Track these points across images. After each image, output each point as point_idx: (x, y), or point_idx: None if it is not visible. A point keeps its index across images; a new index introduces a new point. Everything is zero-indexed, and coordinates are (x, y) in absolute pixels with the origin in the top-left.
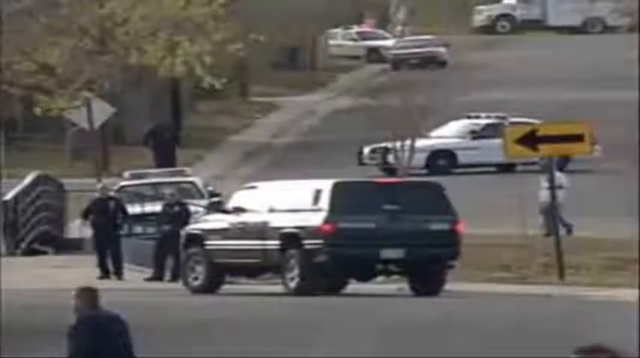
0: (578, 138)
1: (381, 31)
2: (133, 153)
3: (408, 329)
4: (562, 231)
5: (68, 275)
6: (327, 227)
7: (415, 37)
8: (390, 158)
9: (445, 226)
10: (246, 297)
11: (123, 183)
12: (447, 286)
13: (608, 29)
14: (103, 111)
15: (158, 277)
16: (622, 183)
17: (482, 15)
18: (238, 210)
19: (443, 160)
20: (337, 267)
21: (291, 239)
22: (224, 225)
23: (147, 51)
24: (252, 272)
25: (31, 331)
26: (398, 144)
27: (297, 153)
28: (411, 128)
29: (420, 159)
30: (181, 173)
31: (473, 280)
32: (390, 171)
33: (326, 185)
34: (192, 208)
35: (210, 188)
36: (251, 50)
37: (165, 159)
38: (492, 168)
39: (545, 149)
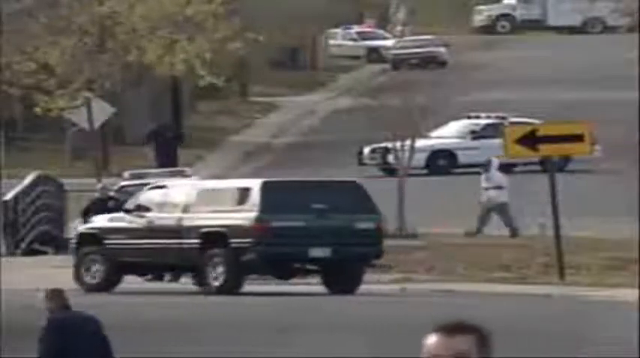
0: (578, 138)
1: (381, 31)
2: (133, 153)
3: (407, 329)
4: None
5: (68, 275)
6: (259, 226)
7: (415, 37)
8: (390, 158)
9: (371, 225)
10: (245, 298)
11: (123, 183)
12: (447, 286)
13: (608, 29)
14: (103, 111)
15: (158, 277)
16: (622, 183)
17: (482, 15)
18: (141, 208)
19: (443, 160)
20: (266, 266)
21: (215, 238)
22: (127, 224)
23: (147, 49)
24: (161, 271)
25: (31, 331)
26: (398, 144)
27: (297, 153)
28: (411, 128)
29: (420, 159)
30: (181, 173)
31: (473, 280)
32: (390, 171)
33: (254, 184)
34: None
35: None
36: (251, 49)
37: (167, 159)
38: None
39: (545, 149)
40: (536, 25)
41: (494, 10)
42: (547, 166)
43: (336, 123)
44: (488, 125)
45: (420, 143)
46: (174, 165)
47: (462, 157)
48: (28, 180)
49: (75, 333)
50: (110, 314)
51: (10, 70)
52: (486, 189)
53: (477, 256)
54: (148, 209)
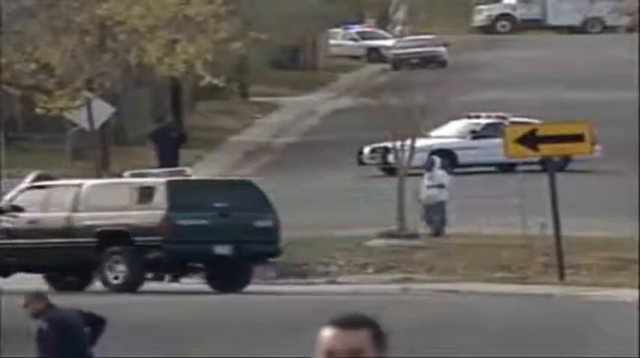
0: (578, 138)
1: (381, 31)
2: (133, 153)
3: (407, 329)
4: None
5: None
6: (166, 224)
7: (415, 37)
8: (390, 158)
9: (269, 224)
10: (244, 297)
11: None
12: (448, 286)
13: (608, 29)
14: (103, 111)
15: (158, 277)
16: (622, 183)
17: (482, 15)
18: (16, 209)
19: (443, 160)
20: (171, 264)
21: (114, 236)
22: (10, 224)
23: (147, 50)
24: (49, 271)
25: (31, 331)
26: (398, 143)
27: (297, 153)
28: (411, 128)
29: (420, 158)
30: (181, 173)
31: (473, 280)
32: (390, 170)
33: (157, 183)
34: None
35: None
36: (251, 49)
37: (169, 159)
38: (492, 168)
39: (545, 149)
40: (536, 25)
41: (494, 9)
42: (547, 166)
43: (336, 123)
44: (488, 125)
45: (420, 143)
46: (176, 165)
47: (462, 157)
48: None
49: (74, 329)
50: (110, 314)
51: (10, 70)
52: (429, 187)
53: (477, 256)
54: (21, 209)
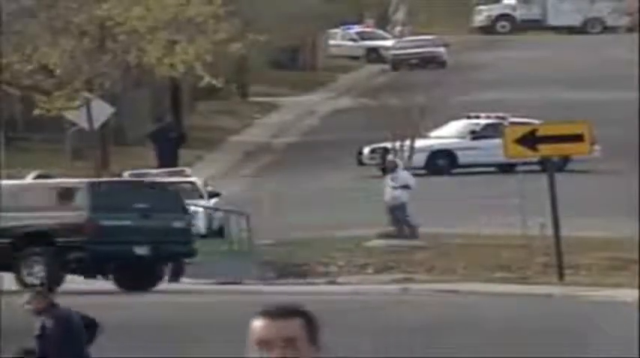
0: (578, 138)
1: (380, 31)
2: (133, 153)
3: (407, 329)
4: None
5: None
6: (90, 225)
7: (415, 37)
8: (390, 158)
9: (185, 224)
10: (244, 298)
11: None
12: (448, 286)
13: (607, 29)
14: (102, 111)
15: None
16: (622, 183)
17: (482, 15)
18: None
19: (443, 160)
20: (93, 264)
21: (33, 237)
22: None
23: (147, 50)
24: None
25: (31, 331)
26: (398, 144)
27: (297, 153)
28: (411, 128)
29: (419, 159)
30: (181, 173)
31: (473, 280)
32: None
33: (78, 184)
34: (191, 208)
35: (210, 188)
36: (251, 49)
37: (168, 159)
38: (492, 168)
39: (545, 149)
40: (536, 25)
41: (494, 10)
42: (547, 166)
43: (336, 123)
44: (488, 125)
45: (420, 143)
46: (175, 165)
47: (462, 157)
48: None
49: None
50: (109, 314)
51: (10, 70)
52: (393, 188)
53: (477, 256)
54: None
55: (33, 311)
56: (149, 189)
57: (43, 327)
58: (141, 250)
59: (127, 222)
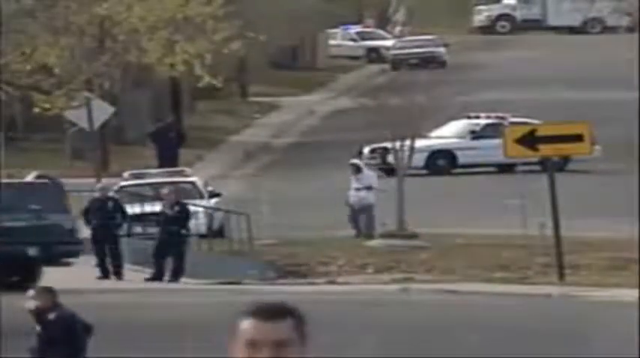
0: (578, 138)
1: (380, 31)
2: (133, 153)
3: (407, 329)
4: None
5: (68, 275)
6: None
7: (415, 37)
8: (390, 158)
9: (71, 225)
10: (244, 298)
11: (122, 183)
12: (448, 286)
13: (607, 29)
14: (103, 111)
15: (158, 277)
16: (622, 183)
17: (481, 15)
18: None
19: (443, 160)
20: None
21: None
22: None
23: (146, 50)
24: None
25: (31, 331)
26: (397, 144)
27: (297, 153)
28: (411, 128)
29: (419, 159)
30: (181, 173)
31: (473, 280)
32: (390, 171)
33: None
34: (192, 208)
35: (210, 188)
36: (251, 49)
37: (169, 159)
38: (492, 168)
39: (545, 149)
40: (536, 25)
41: (494, 10)
42: (547, 166)
43: (336, 123)
44: (488, 125)
45: (420, 143)
46: (176, 165)
47: (462, 157)
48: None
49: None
50: (108, 314)
51: (10, 70)
52: (357, 189)
53: (477, 256)
54: None
55: (39, 308)
56: (41, 190)
57: (48, 323)
58: (32, 251)
59: (23, 223)
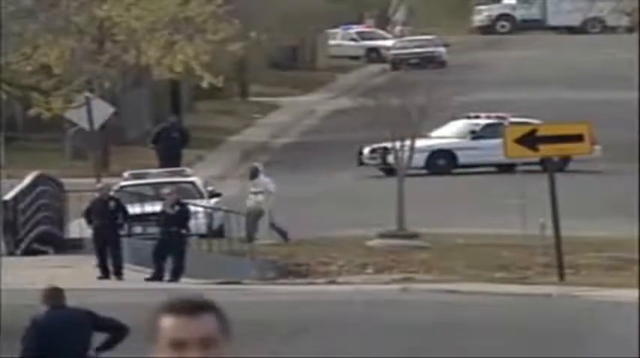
0: (578, 138)
1: (380, 31)
2: (133, 153)
3: (408, 329)
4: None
5: (68, 275)
6: None
7: (415, 37)
8: (390, 158)
9: None
10: (243, 298)
11: (123, 183)
12: (448, 286)
13: (607, 29)
14: (102, 111)
15: (158, 277)
16: (622, 183)
17: (481, 15)
18: None
19: (443, 160)
20: None
21: None
22: None
23: (146, 51)
24: None
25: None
26: (397, 144)
27: (297, 153)
28: (411, 128)
29: (419, 159)
30: (181, 173)
31: (473, 280)
32: (390, 171)
33: None
34: (192, 208)
35: (210, 188)
36: (251, 49)
37: (171, 159)
38: (492, 168)
39: (545, 149)
40: (536, 25)
41: (494, 10)
42: (547, 166)
43: (336, 123)
44: (488, 125)
45: (420, 143)
46: (178, 165)
47: (462, 157)
48: (27, 180)
49: (58, 332)
50: (110, 314)
51: (10, 70)
52: (255, 193)
53: (477, 256)
54: None
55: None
56: None
57: (55, 322)
58: None
59: None
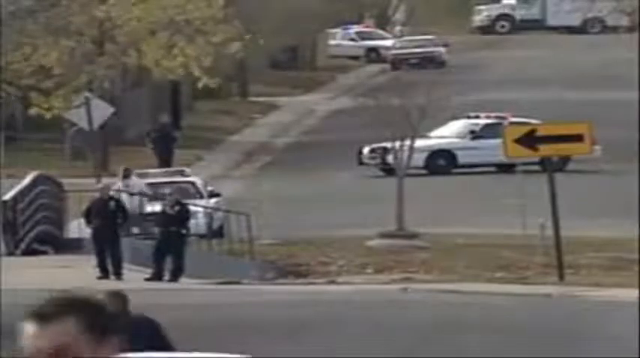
0: (578, 138)
1: (380, 31)
2: (133, 153)
3: (407, 329)
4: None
5: (68, 275)
6: None
7: (414, 37)
8: (390, 158)
9: None
10: (243, 298)
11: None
12: (448, 286)
13: (607, 29)
14: (102, 111)
15: (158, 277)
16: (622, 183)
17: (481, 15)
18: None
19: (443, 160)
20: None
21: None
22: None
23: (146, 52)
24: None
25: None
26: (397, 144)
27: (297, 153)
28: (410, 128)
29: (419, 159)
30: (181, 173)
31: (473, 280)
32: (390, 171)
33: None
34: (192, 208)
35: (210, 188)
36: (251, 50)
37: (163, 159)
38: (492, 168)
39: (545, 149)
40: (536, 25)
41: (494, 10)
42: (547, 166)
43: (336, 123)
44: (487, 125)
45: (420, 143)
46: (169, 164)
47: (462, 157)
48: (27, 180)
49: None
50: None
51: (10, 70)
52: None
53: (477, 256)
54: None
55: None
56: None
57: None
58: None
59: None
